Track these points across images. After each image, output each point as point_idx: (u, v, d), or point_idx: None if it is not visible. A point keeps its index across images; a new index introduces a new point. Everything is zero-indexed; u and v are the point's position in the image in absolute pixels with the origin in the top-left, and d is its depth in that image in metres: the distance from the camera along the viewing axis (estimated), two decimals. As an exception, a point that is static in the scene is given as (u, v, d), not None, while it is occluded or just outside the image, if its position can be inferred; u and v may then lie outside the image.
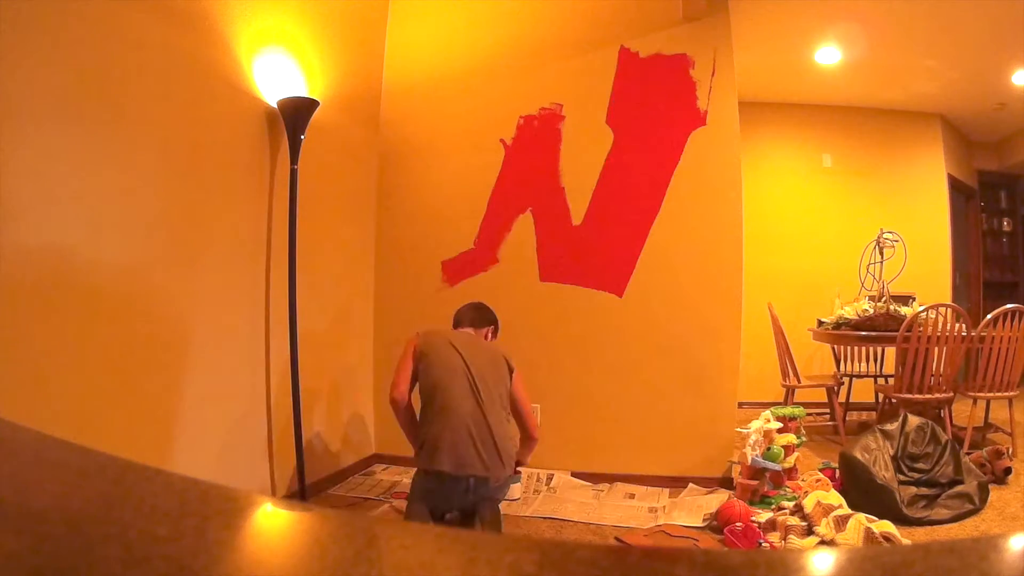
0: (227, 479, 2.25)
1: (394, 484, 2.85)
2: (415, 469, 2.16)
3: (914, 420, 2.68)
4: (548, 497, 2.72)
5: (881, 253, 3.86)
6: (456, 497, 2.06)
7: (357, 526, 0.38)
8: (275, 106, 2.40)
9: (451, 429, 2.03)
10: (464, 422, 2.04)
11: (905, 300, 3.77)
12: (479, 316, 2.40)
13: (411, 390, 2.19)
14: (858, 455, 2.55)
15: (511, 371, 2.22)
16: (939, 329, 3.18)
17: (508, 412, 2.19)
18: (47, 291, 1.59)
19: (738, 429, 2.76)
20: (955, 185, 5.49)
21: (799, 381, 3.72)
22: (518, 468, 2.33)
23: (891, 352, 3.48)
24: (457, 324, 2.38)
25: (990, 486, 2.67)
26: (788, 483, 2.62)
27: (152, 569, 0.29)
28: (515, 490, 2.70)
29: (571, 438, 3.02)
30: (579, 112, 3.09)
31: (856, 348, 4.20)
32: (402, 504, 2.56)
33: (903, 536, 2.12)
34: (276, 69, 2.43)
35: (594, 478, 2.93)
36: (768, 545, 2.15)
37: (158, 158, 1.94)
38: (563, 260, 3.07)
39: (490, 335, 2.42)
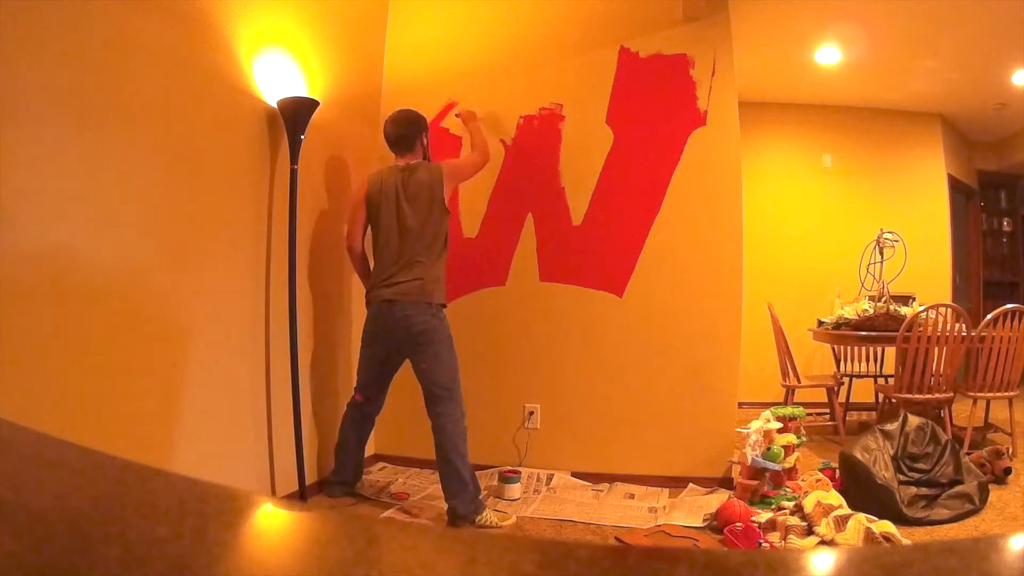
0: (227, 479, 2.25)
1: (389, 484, 2.85)
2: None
3: (914, 420, 2.68)
4: (548, 497, 2.72)
5: (881, 253, 3.86)
6: (396, 327, 2.40)
7: (357, 526, 0.38)
8: (275, 106, 2.40)
9: (389, 264, 2.46)
10: (401, 260, 2.45)
11: (905, 300, 3.77)
12: (408, 132, 2.59)
13: (363, 236, 2.61)
14: (858, 455, 2.55)
15: (442, 183, 2.52)
16: (939, 329, 3.18)
17: (440, 251, 2.52)
18: (47, 291, 1.59)
19: (738, 429, 2.76)
20: (955, 185, 5.49)
21: (799, 381, 3.72)
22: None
23: (891, 352, 3.49)
24: (394, 151, 2.61)
25: (990, 486, 2.67)
26: (788, 483, 2.62)
27: (152, 569, 0.29)
28: (515, 490, 2.70)
29: (571, 438, 3.02)
30: (579, 112, 3.09)
31: (856, 348, 4.20)
32: (408, 507, 2.57)
33: (903, 536, 2.12)
34: (276, 69, 2.43)
35: (594, 478, 2.93)
36: (768, 545, 2.15)
37: (158, 158, 1.94)
38: (563, 260, 3.07)
39: (425, 141, 2.64)
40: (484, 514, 2.39)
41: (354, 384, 2.63)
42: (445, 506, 2.39)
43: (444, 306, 2.49)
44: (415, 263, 2.44)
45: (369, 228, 2.61)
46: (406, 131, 2.58)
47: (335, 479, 2.64)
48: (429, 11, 3.31)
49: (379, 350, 2.52)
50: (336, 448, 2.65)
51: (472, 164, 2.71)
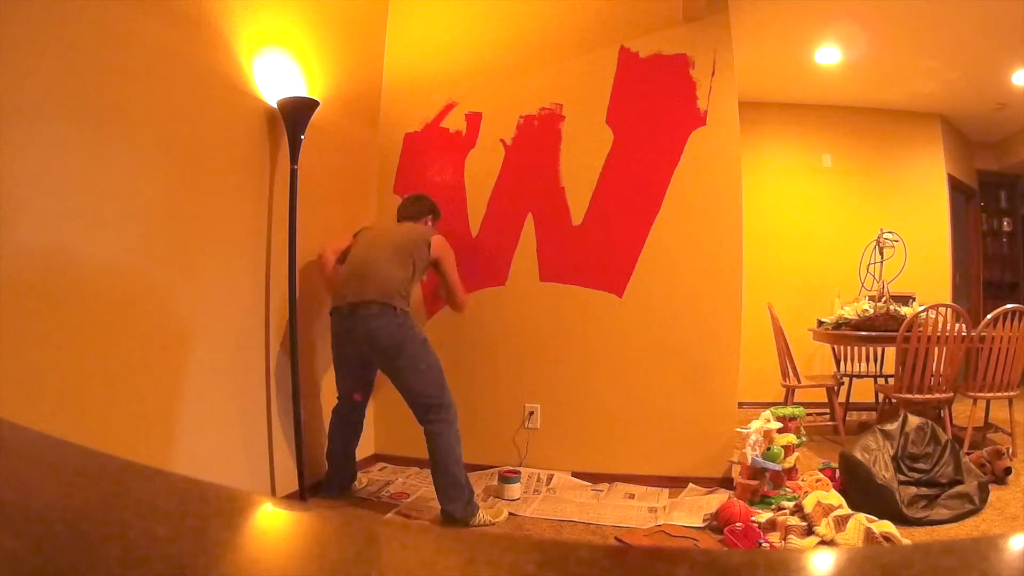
0: (227, 479, 2.25)
1: (389, 484, 2.85)
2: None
3: (914, 420, 2.68)
4: (548, 497, 2.72)
5: (881, 253, 3.86)
6: (358, 331, 2.33)
7: (357, 526, 0.38)
8: (275, 106, 2.40)
9: (353, 271, 2.43)
10: (363, 267, 2.42)
11: (905, 300, 3.77)
12: (416, 208, 2.70)
13: (337, 259, 2.58)
14: (858, 455, 2.55)
15: (428, 245, 2.51)
16: (939, 329, 3.18)
17: (413, 271, 2.46)
18: (47, 291, 1.59)
19: (738, 429, 2.76)
20: (955, 185, 5.49)
21: (799, 381, 3.72)
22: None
23: (891, 352, 3.49)
24: (399, 218, 2.69)
25: (990, 486, 2.67)
26: (788, 483, 2.62)
27: (152, 569, 0.29)
28: (515, 490, 2.70)
29: (571, 438, 3.02)
30: (579, 112, 3.09)
31: (856, 348, 4.20)
32: (407, 509, 2.57)
33: (903, 536, 2.12)
34: (276, 69, 2.43)
35: (594, 478, 2.93)
36: (768, 545, 2.15)
37: (158, 158, 1.94)
38: (563, 260, 3.07)
39: (429, 222, 2.73)
40: (478, 515, 2.38)
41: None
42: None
43: (408, 312, 2.42)
44: (380, 273, 2.40)
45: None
46: (417, 206, 2.71)
47: (330, 483, 2.64)
48: (429, 11, 3.31)
49: (350, 356, 2.49)
50: (327, 454, 2.65)
51: (454, 279, 2.63)
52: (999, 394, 3.25)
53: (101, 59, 1.73)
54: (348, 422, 2.62)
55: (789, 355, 3.72)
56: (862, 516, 2.13)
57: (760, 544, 2.15)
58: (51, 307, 1.60)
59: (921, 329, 3.17)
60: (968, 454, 2.80)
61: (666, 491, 2.79)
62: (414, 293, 2.56)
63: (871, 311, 3.58)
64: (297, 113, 2.40)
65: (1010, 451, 3.01)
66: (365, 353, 2.40)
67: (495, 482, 2.78)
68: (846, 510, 2.20)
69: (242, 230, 2.32)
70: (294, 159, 2.43)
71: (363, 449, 3.13)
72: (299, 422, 2.48)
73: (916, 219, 5.00)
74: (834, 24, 3.82)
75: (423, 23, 3.31)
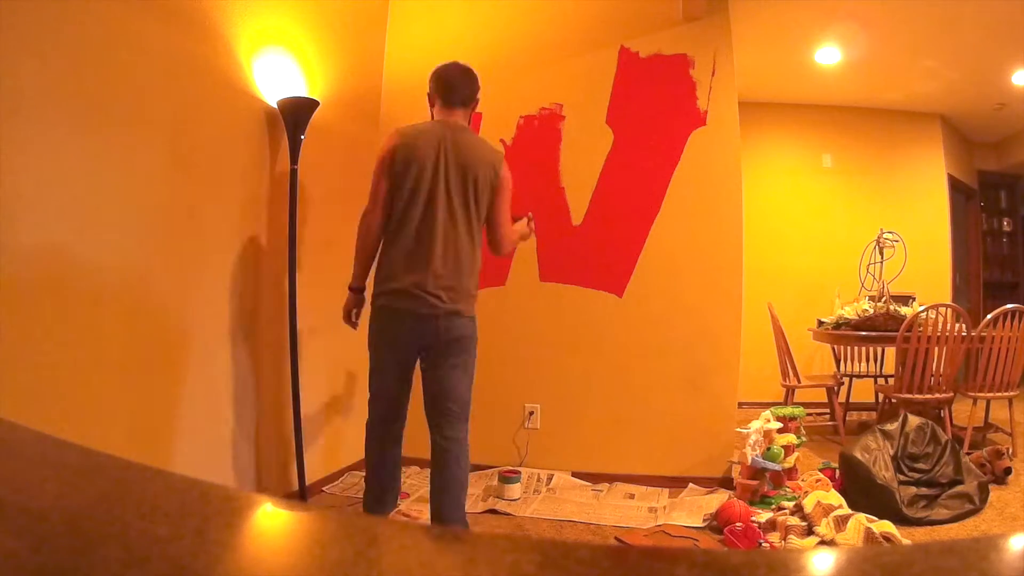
0: (227, 479, 2.25)
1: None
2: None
3: (914, 420, 2.68)
4: (548, 497, 2.72)
5: (881, 253, 3.86)
6: (425, 332, 1.94)
7: (357, 526, 0.38)
8: (275, 106, 2.40)
9: (417, 254, 1.95)
10: (436, 247, 1.95)
11: (905, 300, 3.77)
12: (470, 86, 2.12)
13: (386, 212, 2.01)
14: (858, 455, 2.55)
15: (497, 181, 2.03)
16: (939, 329, 3.18)
17: (477, 248, 2.05)
18: (47, 291, 1.59)
19: (738, 429, 2.76)
20: (955, 185, 5.49)
21: (799, 381, 3.72)
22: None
23: (891, 352, 3.49)
24: (449, 97, 2.08)
25: (990, 486, 2.67)
26: (788, 483, 2.62)
27: (152, 569, 0.29)
28: (515, 490, 2.70)
29: (571, 438, 3.02)
30: (579, 112, 3.09)
31: (856, 348, 4.20)
32: (409, 509, 2.56)
33: (903, 536, 2.12)
34: (276, 69, 2.43)
35: (594, 478, 2.93)
36: (768, 545, 2.15)
37: (158, 158, 1.94)
38: (563, 260, 3.07)
39: (475, 108, 2.19)
40: None
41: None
42: None
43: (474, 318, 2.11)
44: (459, 254, 1.98)
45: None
46: (471, 85, 2.11)
47: (374, 508, 2.12)
48: (429, 11, 3.31)
49: (403, 357, 2.04)
50: (369, 475, 2.16)
51: (508, 221, 2.17)
52: (999, 394, 3.25)
53: (101, 59, 1.73)
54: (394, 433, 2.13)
55: (789, 355, 3.72)
56: (862, 516, 2.13)
57: (760, 544, 2.15)
58: (51, 307, 1.60)
59: (921, 329, 3.17)
60: (968, 454, 2.80)
61: (666, 491, 2.79)
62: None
63: (871, 311, 3.58)
64: (297, 113, 2.40)
65: (1010, 451, 3.02)
66: (426, 344, 1.99)
67: (495, 482, 2.78)
68: (846, 510, 2.20)
69: (242, 230, 2.32)
70: (294, 159, 2.43)
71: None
72: (299, 422, 2.48)
73: (916, 219, 5.00)
74: (834, 24, 3.82)
75: (423, 23, 3.31)
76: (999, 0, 3.37)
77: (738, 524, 2.22)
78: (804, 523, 2.20)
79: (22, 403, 1.51)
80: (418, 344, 2.00)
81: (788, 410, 2.88)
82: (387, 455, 2.09)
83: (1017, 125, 5.49)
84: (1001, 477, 2.84)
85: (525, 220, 2.34)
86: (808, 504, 2.25)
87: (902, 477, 2.50)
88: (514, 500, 2.66)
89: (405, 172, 1.96)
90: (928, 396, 3.21)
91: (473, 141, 2.03)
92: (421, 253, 1.95)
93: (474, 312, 2.07)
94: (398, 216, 1.98)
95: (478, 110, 3.17)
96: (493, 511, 2.55)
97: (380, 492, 2.11)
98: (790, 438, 2.69)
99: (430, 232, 1.95)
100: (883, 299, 3.66)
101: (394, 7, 3.35)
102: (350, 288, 2.14)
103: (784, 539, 2.16)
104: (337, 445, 2.91)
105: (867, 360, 4.30)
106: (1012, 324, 3.19)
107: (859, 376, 4.26)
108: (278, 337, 2.48)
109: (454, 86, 2.07)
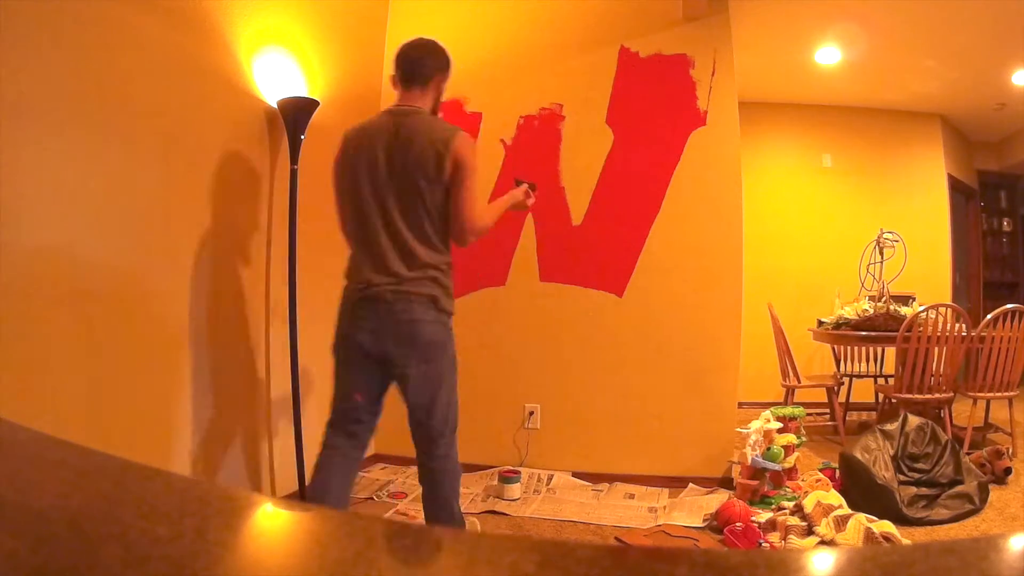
0: (226, 479, 2.25)
1: (388, 483, 2.85)
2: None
3: (914, 420, 2.68)
4: (548, 497, 2.72)
5: (881, 253, 3.86)
6: (386, 328, 1.79)
7: (357, 526, 0.38)
8: (275, 106, 2.40)
9: (365, 253, 1.86)
10: (382, 243, 1.81)
11: (905, 300, 3.77)
12: (427, 64, 1.87)
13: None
14: (858, 455, 2.55)
15: (448, 160, 1.75)
16: (939, 329, 3.18)
17: (443, 232, 1.83)
18: (47, 291, 1.59)
19: (738, 429, 2.76)
20: (955, 185, 5.49)
21: (799, 381, 3.72)
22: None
23: (891, 352, 3.49)
24: (406, 78, 1.87)
25: (990, 486, 2.67)
26: (788, 483, 2.62)
27: (152, 569, 0.30)
28: (515, 490, 2.70)
29: (571, 438, 3.02)
30: (579, 112, 3.09)
31: (856, 348, 4.20)
32: (407, 509, 2.57)
33: (903, 536, 2.12)
34: (276, 69, 2.43)
35: (594, 478, 2.93)
36: (768, 545, 2.15)
37: (158, 158, 1.94)
38: (563, 260, 3.07)
39: (442, 87, 1.93)
40: None
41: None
42: None
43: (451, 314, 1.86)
44: (407, 247, 1.79)
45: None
46: (427, 60, 1.87)
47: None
48: (429, 12, 3.31)
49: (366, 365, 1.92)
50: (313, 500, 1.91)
51: (470, 204, 1.80)
52: (999, 394, 3.25)
53: (101, 59, 1.73)
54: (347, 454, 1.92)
55: (789, 355, 3.72)
56: (862, 516, 2.13)
57: (760, 544, 2.15)
58: (51, 307, 1.60)
59: (921, 329, 3.17)
60: (968, 454, 2.80)
61: (666, 491, 2.79)
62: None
63: (871, 311, 3.58)
64: (297, 113, 2.40)
65: (1010, 451, 3.02)
66: (388, 351, 1.83)
67: (495, 482, 2.78)
68: (846, 510, 2.20)
69: (242, 230, 2.32)
70: (294, 159, 2.43)
71: (363, 449, 3.14)
72: (299, 422, 2.48)
73: (916, 219, 5.00)
74: (834, 24, 3.82)
75: (423, 23, 3.31)
76: (999, 0, 3.37)
77: (738, 524, 2.22)
78: (804, 523, 2.20)
79: (23, 403, 1.51)
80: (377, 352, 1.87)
81: (788, 410, 2.88)
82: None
83: (1017, 125, 5.49)
84: (1001, 477, 2.84)
85: (525, 187, 2.13)
86: (808, 504, 2.25)
87: (902, 477, 2.50)
88: (514, 500, 2.66)
89: (344, 180, 1.90)
90: (928, 396, 3.21)
91: (419, 124, 1.79)
92: (368, 261, 1.86)
93: (442, 317, 1.84)
94: (350, 225, 1.95)
95: (478, 109, 3.21)
96: (493, 511, 2.54)
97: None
98: (790, 438, 2.69)
99: (375, 237, 1.84)
100: (883, 299, 3.66)
101: (394, 7, 3.35)
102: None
103: (784, 539, 2.16)
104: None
105: (867, 360, 4.30)
106: (1012, 324, 3.19)
107: (859, 376, 4.26)
108: (278, 337, 2.47)
109: (411, 64, 1.87)
